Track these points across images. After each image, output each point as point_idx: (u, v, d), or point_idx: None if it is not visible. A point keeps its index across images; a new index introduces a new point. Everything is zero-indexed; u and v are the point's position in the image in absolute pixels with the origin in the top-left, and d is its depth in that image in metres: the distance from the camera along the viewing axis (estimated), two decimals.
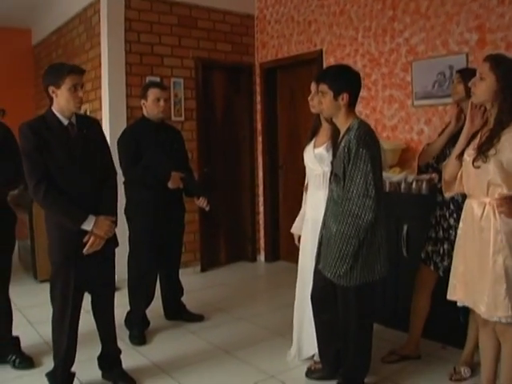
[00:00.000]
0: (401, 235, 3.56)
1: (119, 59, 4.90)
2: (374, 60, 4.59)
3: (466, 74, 2.85)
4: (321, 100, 2.69)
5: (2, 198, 3.11)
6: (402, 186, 3.66)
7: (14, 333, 3.28)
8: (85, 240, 2.64)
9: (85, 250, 2.65)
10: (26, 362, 3.20)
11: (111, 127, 4.76)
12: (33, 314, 4.13)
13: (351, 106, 2.64)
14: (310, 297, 2.88)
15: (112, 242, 2.80)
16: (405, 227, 3.54)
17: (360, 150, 2.47)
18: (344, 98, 2.59)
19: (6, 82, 6.65)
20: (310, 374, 3.02)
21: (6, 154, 2.99)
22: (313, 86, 2.99)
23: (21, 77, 7.05)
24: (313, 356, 3.12)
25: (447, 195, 2.65)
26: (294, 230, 3.28)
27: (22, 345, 3.31)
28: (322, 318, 2.85)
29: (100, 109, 5.08)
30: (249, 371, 3.14)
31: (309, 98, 3.03)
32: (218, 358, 3.32)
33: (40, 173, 2.60)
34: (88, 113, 5.39)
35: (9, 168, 2.97)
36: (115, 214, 2.81)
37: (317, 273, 2.77)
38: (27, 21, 6.91)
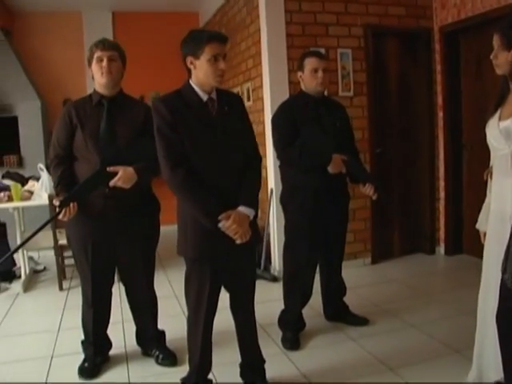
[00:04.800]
0: None
1: (279, 31, 4.52)
2: None
3: None
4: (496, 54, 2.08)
5: (146, 184, 2.91)
6: None
7: (170, 320, 3.11)
8: None
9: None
10: (169, 358, 3.03)
11: (272, 105, 4.42)
12: None
13: None
14: (494, 315, 2.21)
15: (253, 236, 2.43)
16: None
17: None
18: None
19: (177, 65, 6.68)
20: None
21: (148, 137, 2.76)
22: (496, 40, 2.27)
23: None
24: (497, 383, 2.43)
25: None
26: (479, 225, 2.58)
27: (174, 336, 3.12)
28: (509, 347, 2.16)
29: (261, 86, 4.78)
30: None
31: (491, 56, 2.30)
32: (379, 375, 2.81)
33: (178, 155, 2.30)
34: (250, 91, 5.15)
35: (152, 152, 2.74)
36: (256, 206, 2.42)
37: (504, 286, 2.09)
38: (195, 3, 6.89)
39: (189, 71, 2.38)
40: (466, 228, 5.15)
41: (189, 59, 2.32)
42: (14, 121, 6.02)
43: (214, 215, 2.28)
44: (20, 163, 6.02)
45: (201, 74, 2.32)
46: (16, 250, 2.85)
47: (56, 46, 6.57)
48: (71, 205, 2.65)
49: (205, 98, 2.36)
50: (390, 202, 5.09)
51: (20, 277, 4.89)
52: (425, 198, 5.34)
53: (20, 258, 4.84)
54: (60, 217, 2.66)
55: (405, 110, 5.24)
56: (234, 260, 2.46)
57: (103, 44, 2.76)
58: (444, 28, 5.03)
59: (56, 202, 2.66)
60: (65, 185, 2.76)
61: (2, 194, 4.61)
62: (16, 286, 4.75)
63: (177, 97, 2.37)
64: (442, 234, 5.35)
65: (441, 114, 5.18)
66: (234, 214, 2.29)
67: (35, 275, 5.23)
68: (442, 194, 5.29)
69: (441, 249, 5.35)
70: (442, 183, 5.28)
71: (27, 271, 4.96)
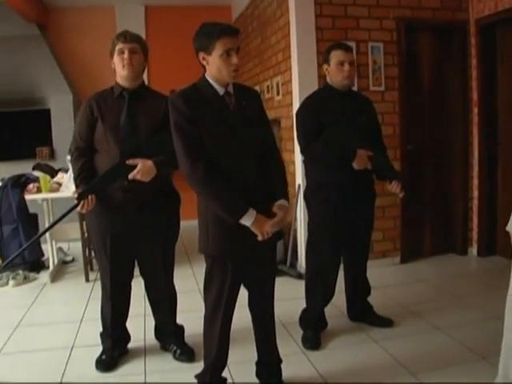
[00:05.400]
0: None
1: (309, 24, 4.43)
2: None
3: None
4: None
5: (165, 178, 2.88)
6: None
7: (191, 315, 3.09)
8: None
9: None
10: (186, 354, 3.01)
11: (301, 100, 4.24)
12: None
13: None
14: None
15: (275, 233, 2.37)
16: None
17: None
18: None
19: None
20: None
21: (169, 130, 2.73)
22: None
23: None
24: None
25: None
26: (509, 227, 2.46)
27: (194, 331, 3.07)
28: None
29: (290, 80, 4.70)
30: None
31: None
32: (398, 380, 2.71)
33: (197, 150, 2.24)
34: (280, 85, 5.08)
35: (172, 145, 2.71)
36: (287, 196, 2.40)
37: None
38: None
39: (203, 66, 2.33)
40: (499, 229, 4.95)
41: (201, 55, 2.28)
42: (47, 113, 6.12)
43: (236, 210, 2.23)
44: (52, 155, 6.12)
45: (214, 70, 2.27)
46: (30, 243, 2.87)
47: (89, 40, 6.62)
48: (89, 197, 2.65)
49: (221, 91, 2.31)
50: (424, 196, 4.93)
51: (48, 267, 4.96)
52: (458, 197, 5.17)
53: (48, 248, 4.91)
54: (78, 209, 2.66)
55: (438, 106, 5.07)
56: (256, 257, 2.41)
57: (125, 36, 2.74)
58: (480, 20, 4.84)
59: (75, 194, 2.67)
60: (84, 177, 2.76)
61: (32, 185, 4.68)
62: (44, 277, 4.83)
63: (194, 91, 2.32)
64: (474, 234, 5.17)
65: (476, 111, 5.00)
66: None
67: (63, 266, 5.30)
68: (475, 193, 5.11)
69: (473, 250, 5.17)
70: (475, 182, 5.10)
71: (55, 262, 5.03)
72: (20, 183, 4.71)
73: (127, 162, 2.66)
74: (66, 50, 6.67)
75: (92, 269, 4.92)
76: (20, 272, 4.71)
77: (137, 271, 3.03)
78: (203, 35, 2.23)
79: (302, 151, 3.23)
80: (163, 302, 3.05)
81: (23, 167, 5.54)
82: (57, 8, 6.66)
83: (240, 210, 2.23)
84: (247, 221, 2.23)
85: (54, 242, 5.02)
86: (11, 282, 4.61)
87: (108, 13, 6.75)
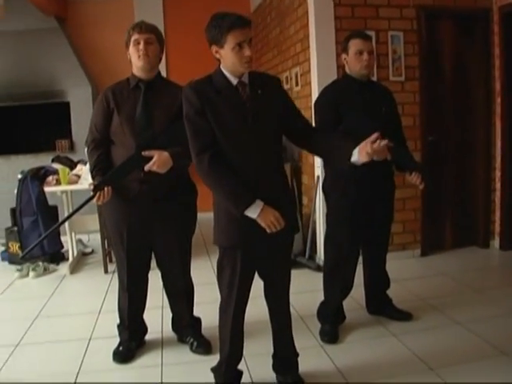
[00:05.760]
0: None
1: (327, 13, 4.36)
2: None
3: None
4: None
5: (182, 169, 2.85)
6: None
7: (208, 307, 3.05)
8: None
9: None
10: (203, 346, 3.00)
11: (320, 90, 4.28)
12: None
13: None
14: None
15: (290, 226, 2.34)
16: None
17: None
18: None
19: None
20: None
21: None
22: None
23: None
24: None
25: None
26: None
27: (211, 323, 3.01)
28: None
29: (309, 71, 4.65)
30: None
31: None
32: (418, 375, 2.66)
33: (204, 141, 2.22)
34: (299, 76, 5.02)
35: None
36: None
37: None
38: None
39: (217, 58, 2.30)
40: None
41: (214, 48, 2.23)
42: (67, 106, 6.14)
43: (241, 202, 2.20)
44: (71, 148, 6.15)
45: (227, 63, 2.23)
46: (48, 235, 2.87)
47: (107, 32, 6.61)
48: (105, 189, 2.64)
49: (235, 82, 2.27)
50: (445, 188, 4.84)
51: (68, 259, 4.99)
52: (480, 189, 5.07)
53: (68, 240, 4.94)
54: (94, 201, 2.66)
55: (460, 96, 4.96)
56: (269, 247, 2.37)
57: (140, 27, 2.72)
58: (504, 8, 4.70)
59: (90, 186, 2.66)
60: (100, 169, 2.76)
61: (51, 177, 4.71)
62: (63, 268, 4.87)
63: (207, 82, 2.29)
64: (497, 226, 5.06)
65: (499, 101, 4.88)
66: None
67: (83, 258, 5.34)
68: (498, 185, 5.00)
69: (495, 243, 5.07)
70: (498, 173, 4.99)
71: (75, 254, 5.06)
72: (39, 176, 4.74)
73: (143, 153, 2.64)
74: (85, 42, 6.68)
75: (111, 260, 4.93)
76: (40, 263, 4.75)
77: (154, 263, 3.03)
78: (214, 29, 2.18)
79: None
80: (180, 295, 3.04)
81: (43, 160, 5.61)
82: (75, 1, 6.68)
83: (245, 201, 2.20)
84: (253, 213, 2.20)
85: (73, 234, 5.05)
86: (31, 274, 4.65)
87: (126, 4, 6.74)
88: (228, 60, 2.20)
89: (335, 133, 2.39)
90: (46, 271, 4.76)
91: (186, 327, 3.08)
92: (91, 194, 2.65)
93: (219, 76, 2.28)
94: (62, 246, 4.86)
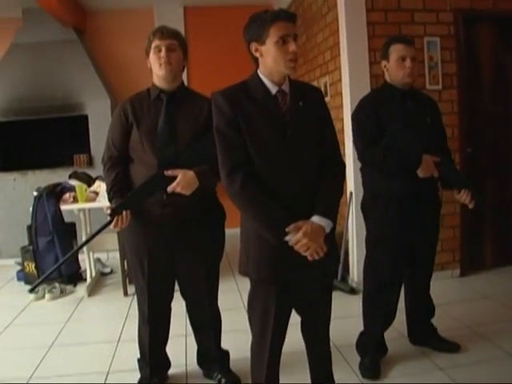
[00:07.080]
0: None
1: (359, 19, 4.10)
2: None
3: None
4: None
5: (209, 190, 2.60)
6: None
7: (236, 336, 2.85)
8: None
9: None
10: (232, 383, 2.71)
11: (352, 101, 4.00)
12: None
13: None
14: None
15: (329, 253, 2.05)
16: None
17: None
18: None
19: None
20: None
21: (213, 135, 2.44)
22: None
23: None
24: None
25: None
26: None
27: (240, 354, 2.81)
28: None
29: (340, 80, 4.38)
30: None
31: None
32: None
33: (236, 158, 1.97)
34: (328, 86, 4.76)
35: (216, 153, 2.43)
36: (334, 217, 2.04)
37: None
38: None
39: (255, 60, 2.04)
40: None
41: (253, 46, 1.99)
42: (85, 119, 5.95)
43: (279, 228, 1.92)
44: (90, 163, 5.93)
45: (269, 61, 1.97)
46: (61, 264, 2.63)
47: (127, 43, 6.43)
48: (124, 213, 2.37)
49: (274, 90, 2.01)
50: (485, 207, 4.55)
51: (86, 279, 4.76)
52: None
53: (86, 260, 4.72)
54: (111, 226, 2.39)
55: (501, 106, 4.67)
56: (306, 281, 2.10)
57: (162, 32, 2.48)
58: None
59: (107, 211, 2.39)
60: (118, 190, 2.49)
61: (68, 194, 4.50)
62: (81, 290, 4.63)
63: (241, 89, 2.03)
64: None
65: None
66: (305, 226, 1.93)
67: (101, 278, 5.10)
68: None
69: None
70: None
71: (93, 274, 4.83)
72: (55, 193, 4.53)
73: (166, 172, 2.38)
74: (104, 54, 6.51)
75: (131, 282, 4.66)
76: (56, 285, 4.52)
77: (177, 288, 2.76)
78: (255, 23, 1.96)
79: (360, 157, 2.91)
80: (206, 326, 2.77)
81: (61, 175, 5.42)
82: (94, 12, 6.52)
83: (284, 226, 1.92)
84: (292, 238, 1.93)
85: (91, 254, 4.82)
86: (47, 296, 4.42)
87: (146, 15, 6.54)
88: (269, 57, 1.95)
89: (334, 184, 2.07)
90: (62, 293, 4.52)
91: (213, 362, 2.81)
92: (108, 218, 2.39)
93: (256, 82, 2.02)
94: (80, 267, 4.64)
